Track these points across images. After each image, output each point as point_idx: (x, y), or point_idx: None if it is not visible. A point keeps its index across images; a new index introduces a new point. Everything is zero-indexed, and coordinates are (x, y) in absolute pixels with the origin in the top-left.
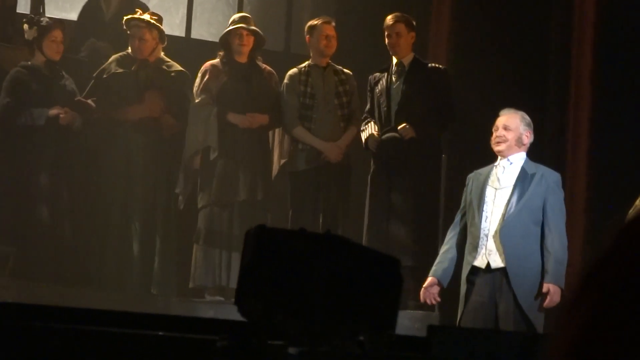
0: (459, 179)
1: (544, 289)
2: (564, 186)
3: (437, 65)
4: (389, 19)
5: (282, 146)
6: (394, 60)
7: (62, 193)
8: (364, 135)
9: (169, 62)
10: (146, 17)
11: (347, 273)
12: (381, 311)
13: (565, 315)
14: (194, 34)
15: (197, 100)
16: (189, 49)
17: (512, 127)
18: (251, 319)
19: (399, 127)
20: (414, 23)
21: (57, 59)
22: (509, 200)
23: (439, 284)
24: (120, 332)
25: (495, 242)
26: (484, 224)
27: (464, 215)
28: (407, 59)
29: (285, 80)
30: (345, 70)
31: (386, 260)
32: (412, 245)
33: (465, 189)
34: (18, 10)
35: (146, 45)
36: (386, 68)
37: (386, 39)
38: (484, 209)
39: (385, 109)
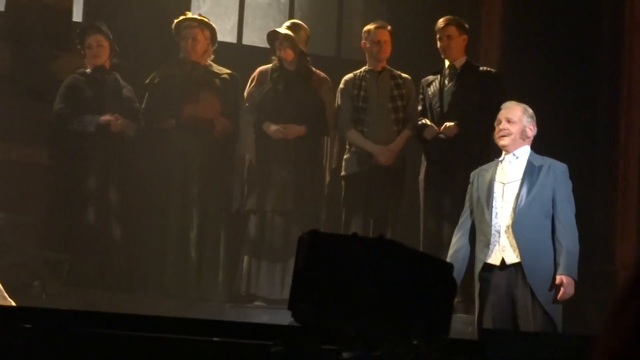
0: None
1: (557, 281)
2: (614, 188)
3: (488, 68)
4: (441, 22)
5: (332, 151)
6: (447, 63)
7: (113, 199)
8: (421, 130)
9: (220, 67)
10: (197, 17)
11: (400, 277)
12: (434, 315)
13: (613, 317)
14: (246, 40)
15: (244, 106)
16: (241, 55)
17: (515, 119)
18: (305, 324)
19: (442, 126)
20: (466, 26)
21: (99, 64)
22: (518, 194)
23: None
24: (176, 338)
25: (508, 237)
26: (494, 220)
27: (470, 213)
28: (460, 62)
29: (340, 85)
30: (404, 74)
31: (439, 264)
32: None
33: (469, 187)
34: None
35: (199, 46)
36: (439, 71)
37: (438, 42)
38: (494, 204)
39: (438, 110)
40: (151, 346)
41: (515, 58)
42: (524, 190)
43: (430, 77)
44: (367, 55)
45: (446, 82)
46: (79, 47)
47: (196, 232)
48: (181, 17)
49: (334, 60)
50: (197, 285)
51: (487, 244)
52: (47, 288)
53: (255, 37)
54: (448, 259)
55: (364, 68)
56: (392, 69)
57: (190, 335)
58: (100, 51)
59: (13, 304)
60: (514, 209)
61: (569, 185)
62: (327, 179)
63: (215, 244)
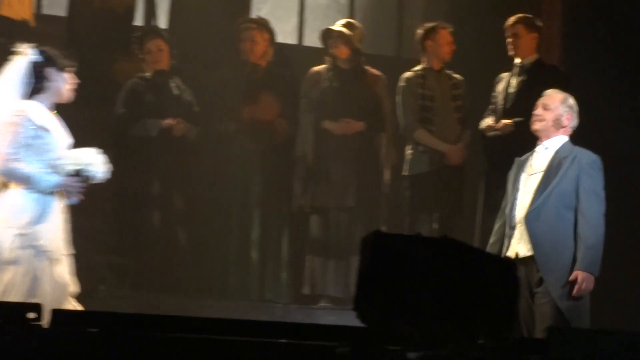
0: None
1: (572, 277)
2: None
3: (556, 66)
4: (509, 21)
5: (390, 149)
6: (516, 60)
7: (177, 203)
8: (481, 126)
9: (279, 69)
10: (256, 18)
11: (464, 277)
12: (499, 314)
13: None
14: (306, 42)
15: (301, 107)
16: (302, 57)
17: (551, 106)
18: (370, 325)
19: (498, 124)
20: (538, 23)
21: (160, 68)
22: (538, 186)
23: None
24: (241, 340)
25: (522, 229)
26: (513, 212)
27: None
28: (529, 60)
29: (402, 83)
30: (455, 75)
31: (503, 263)
32: None
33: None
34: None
35: (258, 47)
36: (510, 68)
37: (507, 41)
38: (516, 196)
39: (501, 107)
40: (217, 349)
41: (576, 54)
42: (546, 180)
43: (502, 75)
44: (427, 53)
45: (513, 80)
46: (137, 51)
47: (258, 233)
48: (240, 19)
49: (394, 60)
50: (260, 286)
51: (508, 236)
52: (112, 292)
53: (315, 38)
54: (487, 249)
55: (421, 66)
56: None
57: (256, 338)
58: (160, 55)
59: (79, 308)
60: (532, 200)
61: (596, 176)
62: (387, 177)
63: (277, 244)
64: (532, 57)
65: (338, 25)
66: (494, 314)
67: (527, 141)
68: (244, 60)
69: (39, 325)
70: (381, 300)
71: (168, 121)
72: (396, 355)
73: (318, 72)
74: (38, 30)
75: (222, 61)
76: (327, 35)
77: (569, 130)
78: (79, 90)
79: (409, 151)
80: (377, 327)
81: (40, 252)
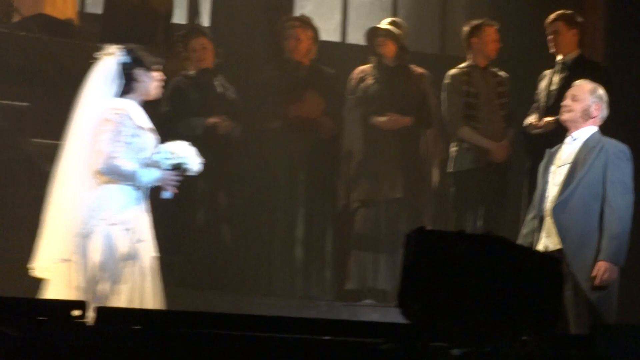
0: None
1: (596, 268)
2: None
3: (598, 62)
4: (550, 17)
5: (437, 146)
6: (558, 57)
7: (222, 200)
8: (525, 124)
9: (323, 66)
10: (299, 16)
11: (507, 273)
12: (543, 310)
13: None
14: (350, 39)
15: (346, 103)
16: (345, 54)
17: (580, 97)
18: (413, 321)
19: (541, 121)
20: (578, 19)
21: (204, 66)
22: (565, 177)
23: None
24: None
25: (550, 222)
26: (542, 205)
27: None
28: (570, 56)
29: (447, 80)
30: (500, 72)
31: (547, 259)
32: None
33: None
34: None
35: (302, 45)
36: (553, 65)
37: (548, 37)
38: (545, 188)
39: (543, 105)
40: (262, 346)
41: (620, 49)
42: (573, 172)
43: (545, 72)
44: (472, 51)
45: (555, 77)
46: (181, 49)
47: (302, 230)
48: (284, 17)
49: (438, 57)
50: (305, 283)
51: (538, 230)
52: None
53: (359, 36)
54: (519, 240)
55: (466, 63)
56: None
57: (300, 335)
58: (204, 54)
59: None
60: (559, 192)
61: (624, 166)
62: (434, 173)
63: (321, 241)
64: (574, 54)
65: (385, 24)
66: (538, 310)
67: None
68: (287, 58)
69: (84, 323)
70: (425, 297)
71: (212, 119)
72: (440, 351)
73: (364, 71)
74: (82, 29)
75: (265, 59)
76: (374, 33)
77: (599, 121)
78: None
79: (453, 148)
80: (421, 324)
81: (145, 247)
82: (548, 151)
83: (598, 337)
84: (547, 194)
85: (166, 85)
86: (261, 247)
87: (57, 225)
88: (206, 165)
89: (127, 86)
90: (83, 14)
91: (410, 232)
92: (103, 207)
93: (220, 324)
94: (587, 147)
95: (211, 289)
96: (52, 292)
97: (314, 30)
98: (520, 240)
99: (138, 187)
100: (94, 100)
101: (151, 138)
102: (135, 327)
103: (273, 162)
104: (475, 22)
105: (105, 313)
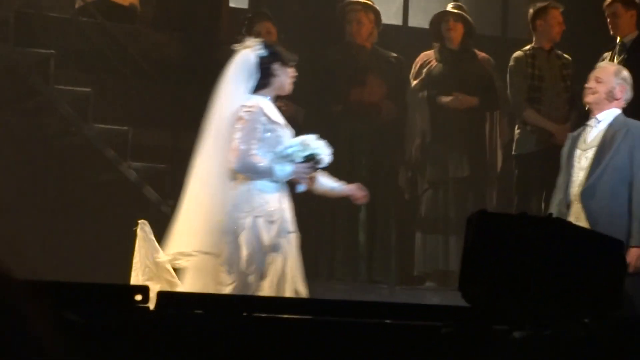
0: None
1: (629, 254)
2: None
3: None
4: (607, 0)
5: (501, 128)
6: (618, 40)
7: None
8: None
9: (385, 50)
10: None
11: (569, 256)
12: (605, 293)
13: None
14: (411, 22)
15: (411, 87)
16: (406, 37)
17: (603, 79)
18: (475, 304)
19: None
20: (635, 0)
21: None
22: (592, 161)
23: None
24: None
25: (578, 207)
26: (569, 190)
27: (561, 184)
28: (630, 37)
29: (511, 63)
30: (565, 54)
31: (609, 242)
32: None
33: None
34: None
35: (364, 29)
36: (613, 47)
37: (607, 20)
38: (571, 172)
39: None
40: (323, 330)
41: None
42: (599, 156)
43: (605, 54)
44: (537, 33)
45: (615, 59)
46: (245, 33)
47: (365, 215)
48: (345, 1)
49: (500, 40)
50: (368, 268)
51: (565, 215)
52: None
53: (420, 19)
54: None
55: (531, 46)
56: (555, 49)
57: (362, 318)
58: (269, 38)
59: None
60: (586, 177)
61: None
62: (499, 154)
63: (385, 226)
64: (633, 35)
65: (452, 7)
66: (600, 293)
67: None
68: (349, 41)
69: (147, 307)
70: (486, 280)
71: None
72: (502, 334)
73: (428, 55)
74: (144, 14)
75: (327, 43)
76: (444, 17)
77: (623, 103)
78: (185, 74)
79: (517, 130)
80: (482, 307)
81: (289, 238)
82: (571, 135)
83: None
84: (573, 178)
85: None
86: (324, 232)
87: (193, 219)
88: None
89: (264, 80)
90: (145, 0)
91: (471, 215)
92: (246, 203)
93: (282, 308)
94: (612, 130)
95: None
96: (189, 284)
97: (376, 14)
98: None
99: (276, 182)
100: (230, 97)
101: (285, 133)
102: (197, 311)
103: (335, 146)
104: (540, 4)
105: (167, 297)
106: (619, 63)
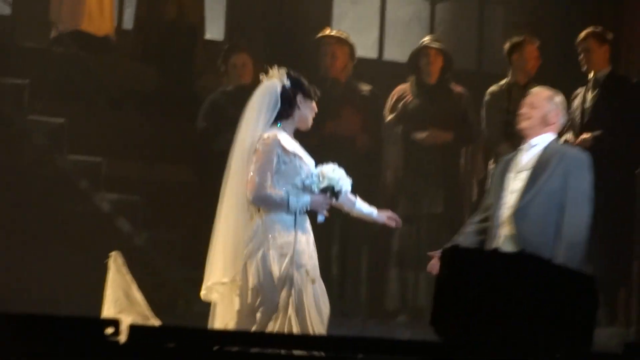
0: None
1: None
2: None
3: (632, 79)
4: (580, 35)
5: (476, 162)
6: (590, 75)
7: None
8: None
9: (360, 83)
10: (336, 33)
11: (541, 292)
12: (577, 329)
13: None
14: (387, 56)
15: (386, 121)
16: (382, 71)
17: (537, 104)
18: (447, 339)
19: (578, 139)
20: (608, 36)
21: (244, 83)
22: (525, 184)
23: None
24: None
25: (509, 229)
26: (499, 212)
27: (488, 206)
28: (602, 73)
29: (487, 97)
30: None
31: (581, 278)
32: (601, 261)
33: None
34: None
35: (338, 62)
36: (586, 83)
37: (580, 55)
38: (502, 195)
39: (578, 122)
40: None
41: None
42: (533, 178)
43: (578, 90)
44: (513, 68)
45: (588, 94)
46: (219, 65)
47: (338, 248)
48: (320, 34)
49: (475, 74)
50: (339, 301)
51: (493, 237)
52: (192, 307)
53: (396, 53)
54: (456, 237)
55: (506, 80)
56: (534, 83)
57: (334, 352)
58: (244, 70)
59: (158, 323)
60: (520, 198)
61: (585, 175)
62: (474, 188)
63: (357, 259)
64: (605, 70)
65: (431, 41)
66: (572, 329)
67: (607, 154)
68: (323, 75)
69: (117, 341)
70: (458, 315)
71: None
72: None
73: (403, 89)
74: (119, 45)
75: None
76: (424, 51)
77: (557, 128)
78: (161, 104)
79: (492, 165)
80: (454, 342)
81: (302, 273)
82: (502, 158)
83: (633, 357)
84: (504, 201)
85: (204, 101)
86: None
87: (220, 251)
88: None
89: (287, 111)
90: (120, 31)
91: (444, 250)
92: (260, 235)
93: (254, 342)
94: (547, 154)
95: None
96: (218, 317)
97: (350, 47)
98: (458, 237)
99: (294, 213)
100: (252, 127)
101: (304, 163)
102: (169, 344)
103: None
104: (516, 39)
105: (138, 331)
106: (592, 98)
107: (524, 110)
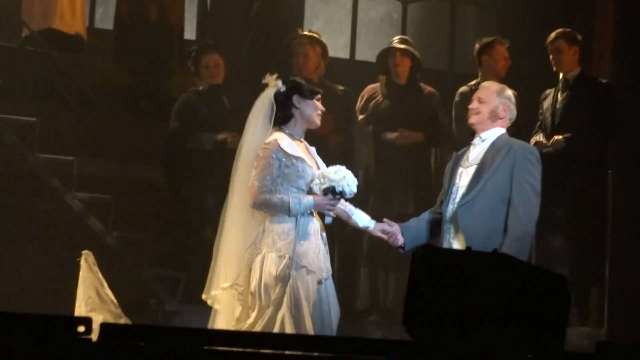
0: (627, 195)
1: None
2: None
3: (602, 79)
4: (551, 36)
5: (447, 162)
6: (560, 76)
7: None
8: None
9: (332, 83)
10: (308, 33)
11: (514, 292)
12: (549, 329)
13: None
14: (358, 56)
15: (357, 121)
16: (354, 71)
17: (486, 99)
18: (419, 339)
19: (551, 140)
20: (578, 37)
21: (216, 83)
22: (472, 177)
23: (402, 234)
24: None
25: (454, 225)
26: (448, 207)
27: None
28: (572, 74)
29: (457, 98)
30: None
31: (553, 278)
32: (573, 261)
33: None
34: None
35: (310, 62)
36: (556, 84)
37: (550, 56)
38: (452, 190)
39: (549, 123)
40: None
41: (629, 67)
42: (479, 173)
43: (547, 91)
44: (483, 68)
45: (559, 95)
46: (190, 65)
47: None
48: (292, 34)
49: (446, 74)
50: None
51: (445, 232)
52: (163, 306)
53: (368, 53)
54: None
55: (476, 81)
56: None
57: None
58: (216, 70)
59: (129, 322)
60: (465, 194)
61: (532, 168)
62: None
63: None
64: (575, 71)
65: (399, 42)
66: (544, 329)
67: (576, 156)
68: (296, 75)
69: (89, 339)
70: (431, 315)
71: (223, 135)
72: None
73: (374, 89)
74: (91, 44)
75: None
76: (391, 52)
77: (507, 122)
78: (132, 103)
79: None
80: (426, 341)
81: (304, 272)
82: (455, 154)
83: (604, 356)
84: (453, 196)
85: (177, 101)
86: None
87: (224, 256)
88: (215, 181)
89: (284, 113)
90: (92, 30)
91: (416, 250)
92: (261, 240)
93: (225, 341)
94: (494, 148)
95: None
96: (220, 321)
97: (323, 47)
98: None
99: (297, 216)
100: (252, 138)
101: (307, 166)
102: (140, 343)
103: None
104: (486, 39)
105: (110, 329)
106: (563, 99)
107: (473, 105)
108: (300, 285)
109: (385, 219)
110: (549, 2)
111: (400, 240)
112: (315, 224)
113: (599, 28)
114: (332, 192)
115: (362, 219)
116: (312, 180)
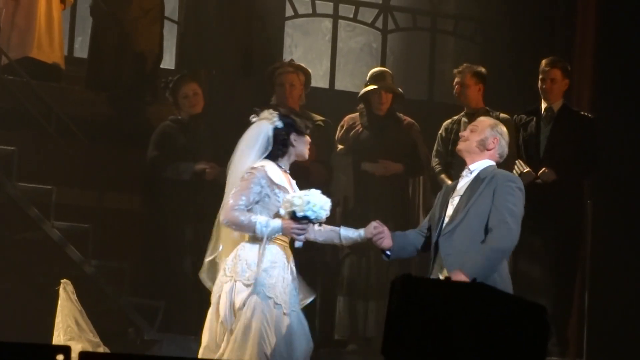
0: (606, 226)
1: (454, 274)
2: None
3: (585, 113)
4: (545, 64)
5: (426, 192)
6: (544, 104)
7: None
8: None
9: (312, 113)
10: (291, 62)
11: (493, 321)
12: (528, 358)
13: None
14: (338, 86)
15: (337, 150)
16: (333, 101)
17: (477, 129)
18: None
19: (540, 172)
20: (569, 69)
21: (194, 112)
22: (455, 207)
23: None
24: None
25: (439, 253)
26: (434, 237)
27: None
28: (557, 105)
29: (440, 131)
30: (502, 114)
31: (532, 308)
32: (552, 291)
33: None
34: (164, 67)
35: (296, 91)
36: (533, 111)
37: (540, 83)
38: (440, 221)
39: (533, 153)
40: None
41: (608, 99)
42: (463, 202)
43: (524, 117)
44: (458, 98)
45: (542, 125)
46: (168, 96)
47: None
48: (276, 64)
49: (426, 104)
50: None
51: (432, 261)
52: (141, 335)
53: (347, 83)
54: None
55: (463, 112)
56: (489, 110)
57: None
58: (196, 100)
59: (107, 351)
60: (447, 225)
61: (513, 194)
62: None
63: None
64: (559, 103)
65: (380, 79)
66: (524, 359)
67: (563, 188)
68: (278, 104)
69: None
70: (410, 344)
71: (201, 165)
72: None
73: (353, 119)
74: (69, 73)
75: (255, 104)
76: (377, 93)
77: (496, 156)
78: (111, 132)
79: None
80: None
81: (271, 304)
82: (445, 186)
83: None
84: (440, 226)
85: (155, 130)
86: None
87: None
88: (193, 211)
89: (281, 150)
90: (70, 59)
91: (395, 279)
92: (231, 268)
93: None
94: (479, 179)
95: (195, 335)
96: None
97: (306, 75)
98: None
99: (268, 237)
100: (239, 166)
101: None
102: None
103: None
104: (460, 68)
105: (88, 358)
106: (547, 130)
107: (464, 132)
108: (268, 316)
109: (376, 220)
110: (529, 33)
111: (389, 242)
112: (282, 255)
113: (578, 60)
114: (294, 218)
115: (351, 231)
116: (284, 203)
